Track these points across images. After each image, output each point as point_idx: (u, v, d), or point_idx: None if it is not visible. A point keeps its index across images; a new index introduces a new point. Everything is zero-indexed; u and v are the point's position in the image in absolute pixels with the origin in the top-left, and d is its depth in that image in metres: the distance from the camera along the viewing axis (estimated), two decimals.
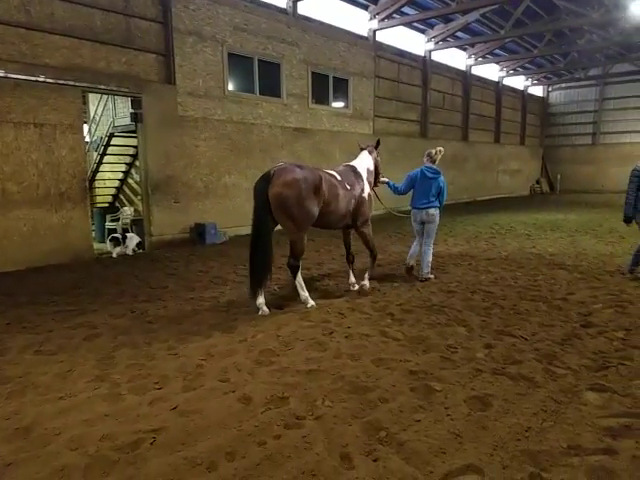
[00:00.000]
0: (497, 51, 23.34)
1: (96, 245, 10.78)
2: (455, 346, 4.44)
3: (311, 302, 5.75)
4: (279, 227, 5.71)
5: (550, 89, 31.80)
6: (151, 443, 2.89)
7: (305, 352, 4.31)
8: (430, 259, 7.16)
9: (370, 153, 6.90)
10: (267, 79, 13.14)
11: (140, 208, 11.77)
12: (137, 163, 11.85)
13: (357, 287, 6.54)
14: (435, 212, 7.05)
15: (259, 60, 12.81)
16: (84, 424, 3.13)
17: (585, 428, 3.01)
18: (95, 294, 6.61)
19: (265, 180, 5.38)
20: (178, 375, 3.86)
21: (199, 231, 11.16)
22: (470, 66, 23.02)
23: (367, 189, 6.49)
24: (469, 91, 23.17)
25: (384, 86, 18.02)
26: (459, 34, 20.14)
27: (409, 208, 7.37)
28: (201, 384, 3.69)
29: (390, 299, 6.12)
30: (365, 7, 16.44)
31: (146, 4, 10.33)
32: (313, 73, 14.46)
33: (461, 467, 2.63)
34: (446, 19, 18.66)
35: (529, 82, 29.23)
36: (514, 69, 26.33)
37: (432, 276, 7.21)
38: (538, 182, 30.87)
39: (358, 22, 16.54)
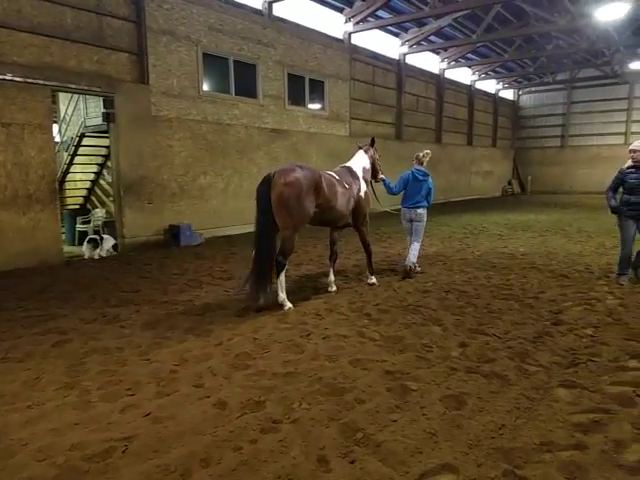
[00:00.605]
0: (469, 55, 23.78)
1: (66, 248, 10.52)
2: (430, 345, 4.48)
3: (288, 304, 5.74)
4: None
5: (520, 93, 32.53)
6: (123, 451, 2.82)
7: (282, 354, 4.28)
8: (416, 253, 7.53)
9: (366, 152, 7.14)
10: (243, 80, 13.07)
11: (112, 210, 11.54)
12: (109, 164, 11.60)
13: (334, 288, 6.64)
14: (423, 212, 7.46)
15: (234, 61, 12.73)
16: (52, 433, 3.03)
17: (557, 424, 3.07)
18: (65, 298, 6.43)
19: (267, 182, 5.54)
20: (151, 381, 3.78)
21: (174, 233, 11.00)
22: (443, 70, 23.37)
23: (364, 187, 6.75)
24: (442, 94, 23.51)
25: (359, 88, 18.13)
26: (432, 38, 20.41)
27: (398, 207, 7.77)
28: (175, 390, 3.63)
29: (367, 299, 6.15)
30: (340, 10, 16.51)
31: (118, 2, 10.14)
32: (289, 74, 14.45)
33: (437, 466, 2.65)
34: (420, 23, 18.89)
35: (500, 86, 29.86)
36: (486, 73, 26.84)
37: (419, 268, 7.66)
38: (510, 183, 31.50)
39: (333, 25, 16.60)
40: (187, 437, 2.97)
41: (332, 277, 6.73)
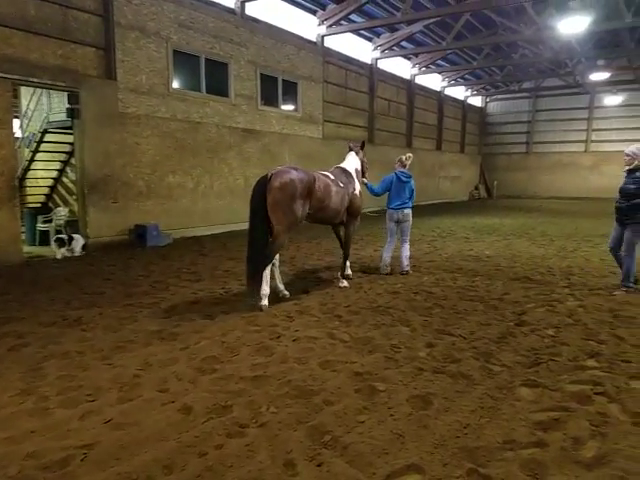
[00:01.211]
0: (439, 62, 24.21)
1: (26, 248, 10.15)
2: (399, 346, 4.52)
3: (265, 302, 5.78)
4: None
5: (488, 100, 33.34)
6: (82, 460, 2.72)
7: (251, 358, 4.23)
8: (408, 254, 7.88)
9: (357, 154, 7.48)
10: (214, 78, 12.94)
11: (76, 209, 11.20)
12: (73, 161, 11.27)
13: (349, 272, 7.27)
14: (409, 212, 7.82)
15: (206, 59, 12.59)
16: (7, 442, 2.90)
17: (519, 423, 3.13)
18: (23, 301, 6.19)
19: (263, 183, 5.74)
20: (113, 386, 3.67)
21: (140, 233, 10.75)
22: (414, 75, 23.71)
23: (358, 187, 7.11)
24: (413, 100, 23.85)
25: (332, 91, 18.20)
26: (404, 44, 20.69)
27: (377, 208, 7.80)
28: (138, 395, 3.53)
29: (338, 301, 6.15)
30: (313, 12, 16.55)
31: None
32: (262, 75, 14.39)
33: (403, 467, 2.66)
34: (392, 28, 19.13)
35: (469, 92, 30.53)
36: (455, 80, 27.39)
37: (410, 270, 7.87)
38: (477, 188, 32.21)
39: (307, 27, 16.63)
40: (150, 443, 2.89)
41: (349, 270, 7.35)
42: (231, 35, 13.18)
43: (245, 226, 14.56)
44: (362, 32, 19.06)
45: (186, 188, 12.30)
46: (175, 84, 12.01)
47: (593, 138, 29.61)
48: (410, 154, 8.15)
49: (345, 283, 7.01)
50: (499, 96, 32.33)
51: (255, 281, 5.69)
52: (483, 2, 15.58)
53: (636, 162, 6.35)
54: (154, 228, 10.84)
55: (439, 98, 26.94)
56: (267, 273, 5.85)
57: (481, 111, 33.24)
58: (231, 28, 13.18)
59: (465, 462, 2.71)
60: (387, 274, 7.75)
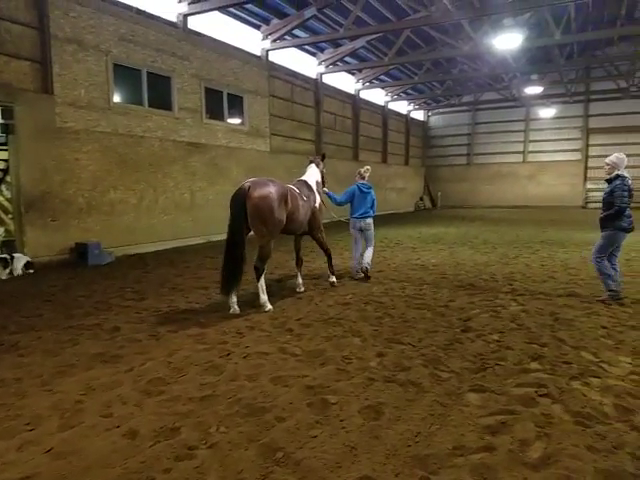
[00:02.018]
0: (382, 77, 24.91)
1: None
2: (350, 357, 4.54)
3: (269, 306, 6.26)
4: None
5: (430, 114, 34.61)
6: None
7: (199, 377, 4.11)
8: (371, 255, 8.41)
9: (317, 165, 7.86)
10: (157, 92, 12.70)
11: (12, 228, 10.58)
12: (8, 178, 10.66)
13: (303, 289, 7.41)
14: (371, 221, 8.35)
15: (148, 72, 12.34)
16: None
17: (468, 428, 3.20)
18: None
19: (242, 194, 6.00)
20: (53, 413, 3.47)
21: (81, 252, 10.29)
22: (359, 90, 24.25)
23: (318, 199, 7.48)
24: (358, 114, 24.37)
25: (279, 105, 18.28)
26: (348, 59, 21.16)
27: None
28: (80, 421, 3.35)
29: (289, 314, 6.12)
30: (257, 27, 16.64)
31: (18, 7, 9.49)
32: (206, 88, 14.26)
33: None
34: (335, 44, 19.52)
35: (411, 107, 31.57)
36: (398, 94, 28.25)
37: (369, 267, 8.29)
38: (422, 199, 33.18)
39: (252, 41, 16.68)
40: (94, 471, 2.75)
41: (300, 280, 7.50)
42: (173, 49, 13.01)
43: (191, 241, 14.32)
44: (306, 47, 19.33)
45: (129, 204, 11.93)
46: (116, 98, 11.69)
47: (530, 149, 31.30)
48: (368, 167, 8.56)
49: (333, 278, 7.76)
50: (440, 110, 33.65)
51: (229, 286, 6.01)
52: (422, 19, 16.23)
53: (616, 171, 6.37)
54: (96, 246, 10.42)
55: (383, 112, 27.67)
56: (262, 282, 6.29)
57: (424, 124, 34.42)
58: (173, 42, 13.01)
59: (417, 470, 2.74)
60: (360, 278, 8.26)
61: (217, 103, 14.83)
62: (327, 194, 8.05)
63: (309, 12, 15.44)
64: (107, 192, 11.38)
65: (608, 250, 6.57)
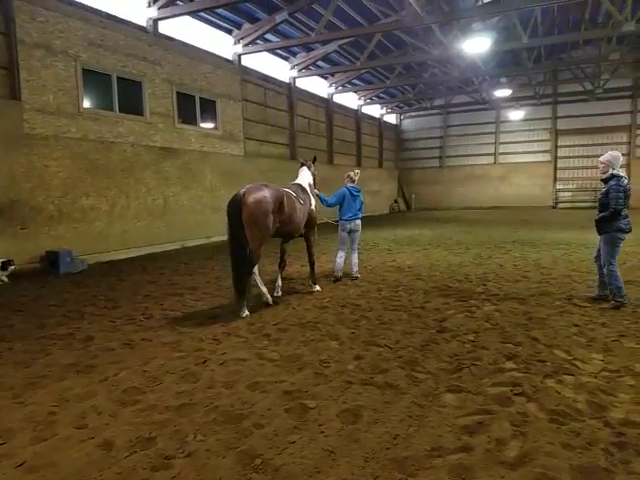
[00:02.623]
0: (355, 81, 25.13)
1: None
2: (328, 361, 4.54)
3: (268, 296, 6.74)
4: None
5: (402, 117, 35.04)
6: None
7: (175, 386, 4.05)
8: (357, 261, 8.75)
9: (309, 168, 8.04)
10: (128, 97, 12.52)
11: None
12: None
13: (280, 293, 7.40)
14: (359, 222, 8.57)
15: (118, 77, 12.15)
16: None
17: (445, 429, 3.23)
18: None
19: (237, 201, 6.14)
20: (26, 426, 3.37)
21: (52, 260, 10.02)
22: (332, 94, 24.39)
23: (313, 202, 7.68)
24: (332, 117, 24.50)
25: (252, 109, 18.24)
26: (320, 63, 21.26)
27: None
28: (53, 433, 3.27)
29: (267, 319, 6.08)
30: (229, 31, 16.58)
31: None
32: (178, 93, 14.12)
33: None
34: (308, 48, 19.59)
35: (384, 110, 31.88)
36: (370, 98, 28.51)
37: (359, 275, 8.65)
38: (396, 201, 33.50)
39: (223, 45, 16.61)
40: None
41: (279, 282, 7.53)
42: (144, 53, 12.85)
43: (167, 247, 14.13)
44: (279, 51, 19.38)
45: (101, 210, 11.70)
46: (86, 103, 11.48)
47: (501, 151, 31.98)
48: (358, 170, 8.78)
49: (317, 287, 7.72)
50: (412, 113, 34.09)
51: (240, 291, 6.20)
52: (393, 23, 16.43)
53: (610, 170, 6.15)
54: (67, 254, 10.17)
55: (356, 116, 27.87)
56: (257, 277, 6.64)
57: (396, 128, 34.81)
58: (144, 46, 12.85)
59: (395, 473, 2.75)
60: (337, 280, 8.42)
61: (189, 108, 14.70)
62: (318, 196, 8.18)
63: (281, 16, 15.47)
64: (78, 199, 11.14)
65: (616, 253, 6.24)
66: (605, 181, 6.23)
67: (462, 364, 4.39)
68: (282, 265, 7.67)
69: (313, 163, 8.22)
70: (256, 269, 6.60)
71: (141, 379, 4.20)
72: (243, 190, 6.20)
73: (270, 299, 6.79)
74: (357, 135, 27.99)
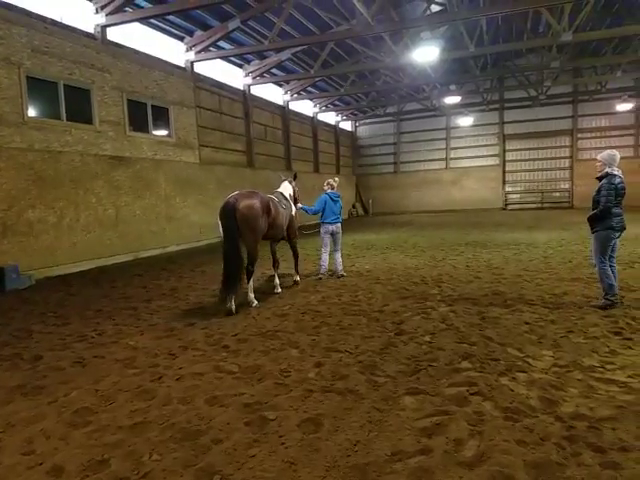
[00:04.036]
0: (310, 89, 25.29)
1: None
2: (288, 370, 4.51)
3: (255, 302, 7.21)
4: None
5: (357, 124, 35.52)
6: None
7: (129, 404, 3.91)
8: (341, 261, 9.51)
9: (290, 183, 8.95)
10: (76, 105, 12.10)
11: None
12: None
13: (280, 290, 8.17)
14: (340, 225, 9.42)
15: (65, 85, 11.73)
16: None
17: (405, 432, 3.26)
18: None
19: (231, 207, 6.74)
20: None
21: None
22: (287, 101, 24.42)
23: (294, 209, 8.62)
24: (288, 125, 24.53)
25: (207, 116, 18.02)
26: (275, 71, 21.27)
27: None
28: None
29: (225, 330, 5.97)
30: (181, 38, 16.36)
31: None
32: (129, 100, 13.76)
33: None
34: (262, 56, 19.56)
35: (339, 118, 32.23)
36: (326, 106, 28.75)
37: (344, 273, 9.42)
38: (354, 207, 33.84)
39: (176, 52, 16.37)
40: None
41: (277, 280, 8.29)
42: (92, 60, 12.47)
43: (119, 259, 13.72)
44: (233, 59, 19.26)
45: (48, 223, 11.21)
46: (31, 112, 11.02)
47: (452, 156, 32.93)
48: (337, 178, 9.78)
49: (297, 277, 8.85)
50: (367, 120, 34.62)
51: (229, 288, 6.63)
52: (345, 32, 16.65)
53: (606, 168, 6.16)
54: (13, 269, 9.67)
55: (313, 123, 28.02)
56: (252, 284, 7.26)
57: (352, 135, 35.24)
58: (91, 53, 12.47)
59: None
60: (320, 278, 9.17)
61: (141, 115, 14.36)
62: (302, 208, 9.08)
63: (233, 24, 15.40)
64: (24, 211, 10.63)
65: (607, 251, 6.27)
66: (600, 179, 6.26)
67: (420, 366, 4.45)
68: (276, 265, 8.45)
69: (294, 179, 9.17)
70: (251, 283, 7.23)
71: (93, 399, 4.03)
72: (234, 198, 6.81)
73: (255, 302, 7.22)
74: (314, 142, 28.13)
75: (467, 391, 3.85)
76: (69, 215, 11.75)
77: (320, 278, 9.18)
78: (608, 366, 4.30)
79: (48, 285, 9.97)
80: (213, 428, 3.42)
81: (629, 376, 4.06)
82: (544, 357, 4.59)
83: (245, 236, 6.89)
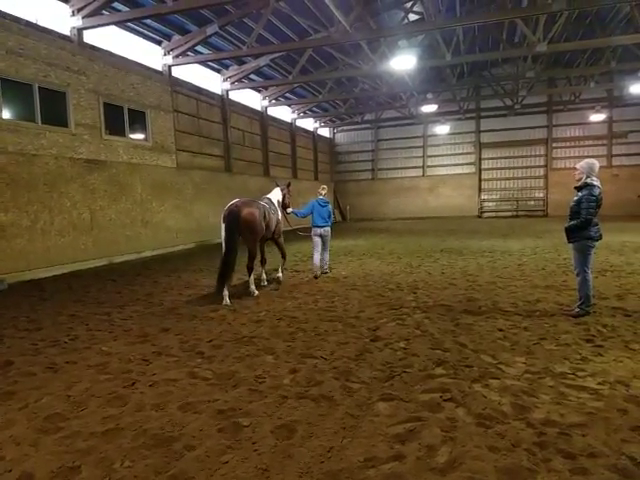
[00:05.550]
0: (288, 95, 25.34)
1: None
2: (263, 376, 4.51)
3: (256, 292, 8.35)
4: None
5: (335, 131, 35.72)
6: None
7: (101, 410, 3.86)
8: (327, 259, 10.50)
9: (282, 190, 9.80)
10: (51, 107, 11.91)
11: None
12: None
13: (266, 284, 9.23)
14: (329, 229, 10.19)
15: (40, 87, 11.54)
16: None
17: (378, 438, 3.28)
18: None
19: (234, 212, 7.82)
20: None
21: None
22: (266, 107, 24.43)
23: (280, 213, 9.43)
24: (267, 130, 24.52)
25: (184, 121, 17.91)
26: (253, 76, 21.28)
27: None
28: None
29: (200, 336, 5.94)
30: (158, 42, 16.25)
31: None
32: (105, 103, 13.60)
33: None
34: (240, 61, 19.56)
35: (318, 124, 32.36)
36: (304, 112, 28.84)
37: (329, 270, 10.55)
38: (332, 213, 33.94)
39: (153, 57, 16.23)
40: None
41: (264, 275, 9.45)
42: (68, 63, 12.29)
43: (92, 263, 13.56)
44: (211, 64, 19.20)
45: (21, 227, 10.97)
46: (5, 114, 10.82)
47: (429, 163, 33.36)
48: (324, 186, 10.65)
49: (280, 274, 9.58)
50: (345, 127, 34.85)
51: (225, 275, 7.62)
52: (323, 39, 16.79)
53: (584, 178, 6.08)
54: None
55: (291, 129, 28.07)
56: (252, 278, 8.39)
57: (330, 141, 35.42)
58: (67, 56, 12.30)
59: None
60: (317, 277, 9.89)
61: (118, 119, 14.20)
62: (292, 212, 9.91)
63: (211, 29, 15.38)
64: None
65: (589, 260, 6.25)
66: (578, 189, 6.18)
67: (394, 372, 4.49)
68: (263, 262, 9.49)
69: (288, 187, 9.99)
70: (251, 277, 8.37)
71: (64, 405, 3.98)
72: (236, 205, 7.88)
73: (256, 292, 8.35)
74: (292, 148, 28.17)
75: (440, 397, 3.88)
76: (43, 219, 11.53)
77: (316, 277, 9.90)
78: (579, 373, 4.37)
79: (21, 289, 9.75)
80: (186, 435, 3.41)
81: (599, 383, 4.14)
82: (517, 364, 4.65)
83: (246, 238, 8.06)
